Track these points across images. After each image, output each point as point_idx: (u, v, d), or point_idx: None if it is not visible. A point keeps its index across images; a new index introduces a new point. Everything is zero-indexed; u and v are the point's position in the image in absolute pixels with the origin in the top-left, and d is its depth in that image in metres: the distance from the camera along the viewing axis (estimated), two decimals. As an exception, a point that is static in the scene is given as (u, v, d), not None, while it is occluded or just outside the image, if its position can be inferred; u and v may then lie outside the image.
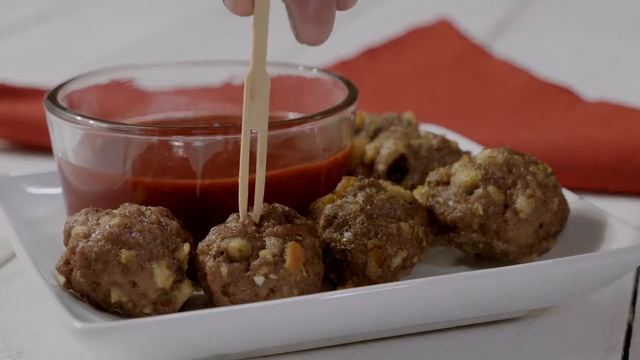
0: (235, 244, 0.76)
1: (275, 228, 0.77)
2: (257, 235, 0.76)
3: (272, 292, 0.75)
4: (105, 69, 0.95)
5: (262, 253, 0.75)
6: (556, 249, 0.85)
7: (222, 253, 0.76)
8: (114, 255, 0.75)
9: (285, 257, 0.75)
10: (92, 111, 0.91)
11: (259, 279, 0.75)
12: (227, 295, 0.76)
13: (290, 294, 0.75)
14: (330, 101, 0.90)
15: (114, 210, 0.79)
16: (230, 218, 0.79)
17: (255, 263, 0.75)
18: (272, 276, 0.75)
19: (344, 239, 0.79)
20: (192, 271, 0.78)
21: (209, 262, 0.76)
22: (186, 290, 0.77)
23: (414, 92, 1.38)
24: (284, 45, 1.63)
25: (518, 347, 0.78)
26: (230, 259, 0.76)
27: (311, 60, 1.37)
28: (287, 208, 0.79)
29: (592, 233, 0.84)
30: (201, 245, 0.78)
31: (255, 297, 0.75)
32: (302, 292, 0.76)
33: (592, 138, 1.11)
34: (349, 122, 0.87)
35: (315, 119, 0.84)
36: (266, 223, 0.77)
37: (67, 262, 0.77)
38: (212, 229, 0.78)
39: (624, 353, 0.78)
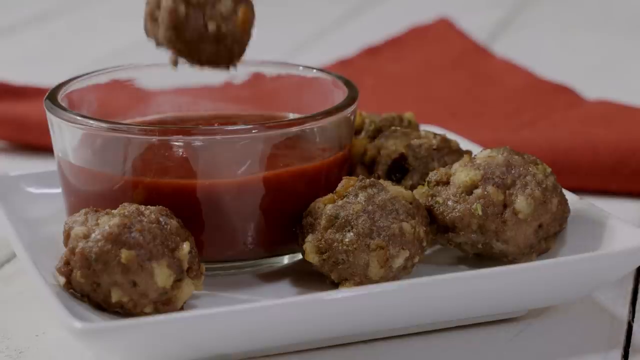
0: None
1: None
2: None
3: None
4: (105, 69, 0.95)
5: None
6: (556, 249, 0.85)
7: None
8: (114, 255, 0.75)
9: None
10: (92, 111, 0.91)
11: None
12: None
13: None
14: (330, 101, 0.90)
15: (113, 210, 0.79)
16: None
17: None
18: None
19: (346, 240, 0.79)
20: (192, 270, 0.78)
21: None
22: (187, 290, 0.77)
23: (414, 92, 1.38)
24: (284, 45, 1.63)
25: (518, 347, 0.78)
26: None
27: (311, 60, 1.37)
28: None
29: (592, 233, 0.84)
30: None
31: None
32: None
33: (592, 138, 1.11)
34: (349, 122, 0.87)
35: (315, 119, 0.84)
36: None
37: (67, 263, 0.77)
38: None
39: (624, 353, 0.78)
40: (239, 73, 0.96)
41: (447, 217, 0.83)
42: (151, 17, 0.89)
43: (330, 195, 0.82)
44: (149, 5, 0.89)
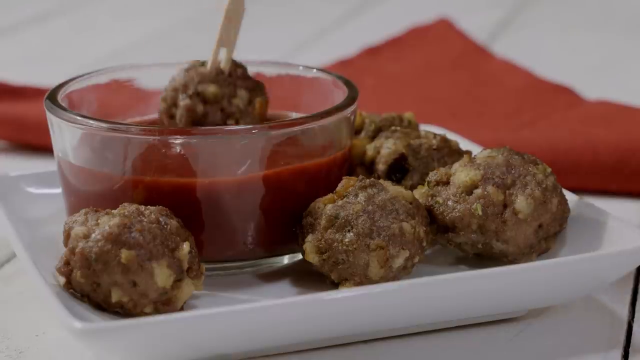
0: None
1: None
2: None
3: None
4: (105, 69, 0.95)
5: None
6: (556, 249, 0.85)
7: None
8: (114, 255, 0.75)
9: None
10: (92, 111, 0.92)
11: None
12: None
13: None
14: (330, 101, 0.90)
15: (113, 210, 0.79)
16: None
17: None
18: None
19: (346, 240, 0.79)
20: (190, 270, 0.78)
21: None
22: (187, 290, 0.77)
23: (414, 92, 1.38)
24: (284, 45, 1.63)
25: (518, 347, 0.78)
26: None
27: (311, 60, 1.37)
28: None
29: (592, 233, 0.84)
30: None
31: None
32: None
33: (592, 138, 1.11)
34: (349, 122, 0.87)
35: (316, 118, 0.84)
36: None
37: (67, 263, 0.77)
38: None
39: (624, 353, 0.78)
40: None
41: (447, 217, 0.83)
42: (167, 114, 0.91)
43: (330, 195, 0.82)
44: (165, 102, 0.91)
